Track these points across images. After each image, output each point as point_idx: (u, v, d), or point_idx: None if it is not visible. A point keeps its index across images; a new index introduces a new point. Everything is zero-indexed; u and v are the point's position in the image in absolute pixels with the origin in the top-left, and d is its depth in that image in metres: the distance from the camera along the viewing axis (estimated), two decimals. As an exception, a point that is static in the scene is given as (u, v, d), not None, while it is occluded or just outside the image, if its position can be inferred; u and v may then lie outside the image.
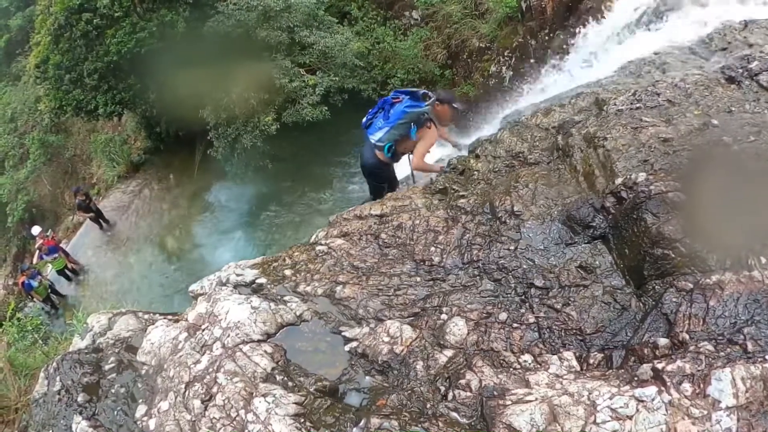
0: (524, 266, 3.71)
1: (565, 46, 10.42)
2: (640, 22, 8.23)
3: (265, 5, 12.31)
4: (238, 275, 4.30)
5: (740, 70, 4.80)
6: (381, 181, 6.29)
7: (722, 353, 2.54)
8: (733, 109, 4.25)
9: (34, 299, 15.11)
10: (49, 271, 15.95)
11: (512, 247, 3.86)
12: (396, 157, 6.01)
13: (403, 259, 4.08)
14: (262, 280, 4.18)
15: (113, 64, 13.72)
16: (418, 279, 3.89)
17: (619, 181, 3.77)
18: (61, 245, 15.91)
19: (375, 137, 5.82)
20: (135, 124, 18.09)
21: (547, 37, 11.07)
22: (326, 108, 12.23)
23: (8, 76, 24.02)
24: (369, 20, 14.86)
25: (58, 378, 3.81)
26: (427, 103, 5.61)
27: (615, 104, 4.72)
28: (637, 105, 4.56)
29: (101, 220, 16.44)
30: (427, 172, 5.92)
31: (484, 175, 4.95)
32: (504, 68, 12.37)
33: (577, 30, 10.10)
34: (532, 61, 11.49)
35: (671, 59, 6.22)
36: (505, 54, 12.37)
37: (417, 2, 14.34)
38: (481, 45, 12.93)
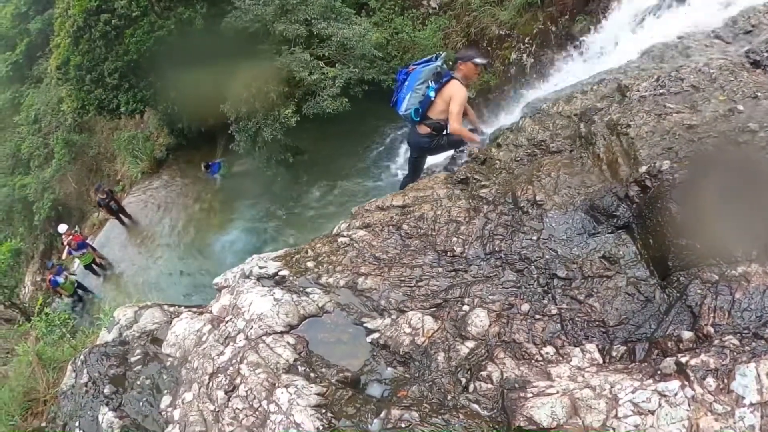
0: (547, 256, 3.67)
1: (586, 31, 10.27)
2: (661, 6, 8.06)
3: (281, -1, 12.31)
4: (261, 267, 4.34)
5: (765, 54, 4.68)
6: (440, 151, 6.30)
7: (747, 347, 2.48)
8: (759, 94, 4.13)
9: (62, 295, 15.44)
10: (77, 267, 16.26)
11: (534, 237, 3.82)
12: (439, 130, 5.93)
13: (425, 250, 4.07)
14: (285, 272, 4.21)
15: (133, 62, 13.89)
16: (440, 270, 3.88)
17: (643, 169, 3.70)
18: (88, 241, 16.20)
19: (402, 109, 5.88)
20: (157, 121, 18.29)
21: (568, 23, 10.92)
22: (347, 100, 12.20)
23: (30, 78, 24.35)
24: (386, 10, 14.78)
25: (85, 370, 3.89)
26: (440, 59, 5.68)
27: (638, 90, 4.63)
28: (661, 91, 4.47)
29: (123, 216, 16.67)
30: (466, 138, 5.82)
31: (506, 164, 4.91)
32: (525, 55, 12.22)
33: (597, 14, 9.95)
34: (552, 47, 11.34)
35: (694, 43, 6.08)
36: (526, 41, 12.22)
37: (434, -9, 14.22)
38: (500, 32, 12.78)
